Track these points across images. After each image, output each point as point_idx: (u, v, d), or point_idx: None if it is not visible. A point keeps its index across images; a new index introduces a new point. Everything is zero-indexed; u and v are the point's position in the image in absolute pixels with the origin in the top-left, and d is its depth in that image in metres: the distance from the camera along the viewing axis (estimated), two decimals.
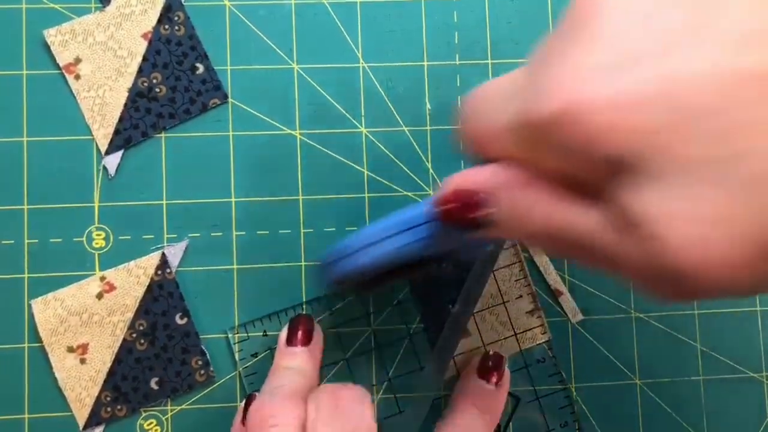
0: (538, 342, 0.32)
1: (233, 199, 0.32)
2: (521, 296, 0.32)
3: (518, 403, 0.32)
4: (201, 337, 0.31)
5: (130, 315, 0.31)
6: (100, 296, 0.31)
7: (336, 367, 0.32)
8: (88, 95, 0.32)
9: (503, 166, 0.19)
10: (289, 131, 0.33)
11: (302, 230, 0.32)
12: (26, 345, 0.31)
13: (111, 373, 0.31)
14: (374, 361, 0.32)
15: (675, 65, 0.15)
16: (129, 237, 0.32)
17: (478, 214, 0.20)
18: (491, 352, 0.31)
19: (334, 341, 0.32)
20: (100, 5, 0.32)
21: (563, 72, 0.16)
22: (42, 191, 0.31)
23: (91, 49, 0.32)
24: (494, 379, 0.30)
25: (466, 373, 0.30)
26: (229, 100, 0.32)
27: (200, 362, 0.31)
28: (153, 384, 0.31)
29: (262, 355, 0.31)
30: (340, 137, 0.33)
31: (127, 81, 0.32)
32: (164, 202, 0.32)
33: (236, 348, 0.31)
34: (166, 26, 0.32)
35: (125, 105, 0.32)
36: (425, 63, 0.33)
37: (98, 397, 0.31)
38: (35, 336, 0.31)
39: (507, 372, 0.30)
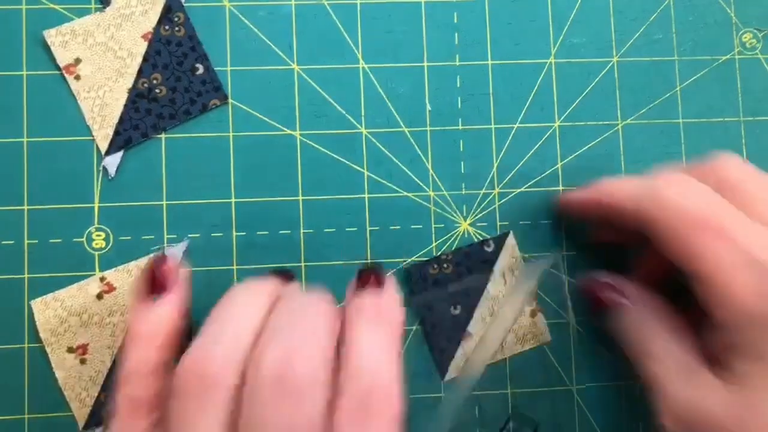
0: (538, 343, 0.32)
1: (233, 199, 0.32)
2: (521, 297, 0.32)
3: (518, 404, 0.32)
4: None
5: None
6: (100, 297, 0.31)
7: None
8: (88, 96, 0.32)
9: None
10: (289, 131, 0.33)
11: (302, 230, 0.32)
12: (26, 345, 0.31)
13: (111, 373, 0.31)
14: None
15: None
16: (129, 237, 0.32)
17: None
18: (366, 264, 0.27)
19: None
20: (100, 6, 0.32)
21: None
22: (42, 191, 0.31)
23: (91, 50, 0.32)
24: (376, 286, 0.26)
25: (348, 296, 0.26)
26: (229, 100, 0.32)
27: None
28: None
29: None
30: (340, 137, 0.33)
31: (128, 82, 0.32)
32: (164, 202, 0.32)
33: None
34: (167, 27, 0.32)
35: (125, 106, 0.32)
36: (425, 63, 0.33)
37: (98, 397, 0.31)
38: (35, 336, 0.31)
39: (390, 276, 0.27)
